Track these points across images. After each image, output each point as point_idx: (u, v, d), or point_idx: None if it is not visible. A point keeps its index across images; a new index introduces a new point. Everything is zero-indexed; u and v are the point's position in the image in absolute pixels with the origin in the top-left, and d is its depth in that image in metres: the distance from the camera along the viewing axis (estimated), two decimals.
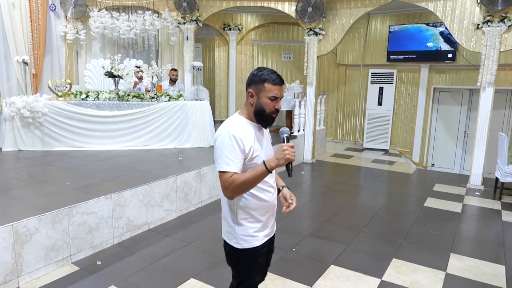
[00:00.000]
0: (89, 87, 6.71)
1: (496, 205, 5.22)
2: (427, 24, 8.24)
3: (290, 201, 1.98)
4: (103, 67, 6.17)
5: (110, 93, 6.06)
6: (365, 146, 9.14)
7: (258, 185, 1.77)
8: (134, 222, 3.96)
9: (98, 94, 6.06)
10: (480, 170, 5.95)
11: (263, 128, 1.88)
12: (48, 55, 7.34)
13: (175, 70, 7.07)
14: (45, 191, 3.82)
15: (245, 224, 1.85)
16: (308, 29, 7.01)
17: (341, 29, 6.90)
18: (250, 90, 1.78)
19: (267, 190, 1.87)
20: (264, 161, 1.69)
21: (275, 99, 1.76)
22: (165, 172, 4.59)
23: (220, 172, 1.72)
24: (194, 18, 7.47)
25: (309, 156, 7.49)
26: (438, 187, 6.01)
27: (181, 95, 6.29)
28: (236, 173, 1.70)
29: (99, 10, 7.45)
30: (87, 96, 6.02)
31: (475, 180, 5.99)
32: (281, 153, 1.66)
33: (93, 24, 7.32)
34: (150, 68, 6.18)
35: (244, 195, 1.80)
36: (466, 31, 5.86)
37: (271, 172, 1.70)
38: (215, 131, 6.25)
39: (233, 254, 1.93)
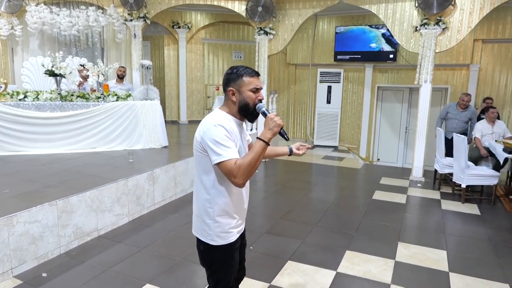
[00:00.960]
0: (27, 87, 6.24)
1: (436, 195, 5.62)
2: (370, 26, 8.66)
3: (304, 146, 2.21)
4: (43, 65, 5.76)
5: (51, 93, 5.68)
6: (315, 143, 9.41)
7: None
8: (82, 229, 3.75)
9: (38, 94, 5.65)
10: (421, 163, 6.37)
11: (243, 126, 1.92)
12: None
13: (122, 66, 6.82)
14: None
15: (221, 220, 1.85)
16: (259, 29, 7.07)
17: (291, 29, 7.04)
18: (231, 88, 1.80)
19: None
20: (258, 137, 1.71)
21: (257, 90, 1.80)
22: (115, 175, 4.39)
23: (223, 162, 1.67)
24: (141, 15, 7.23)
25: None
26: (384, 181, 6.35)
27: (129, 95, 6.06)
28: (238, 158, 1.69)
29: (37, 5, 6.95)
30: (25, 97, 5.58)
31: (417, 173, 6.41)
32: (271, 123, 1.72)
33: (30, 20, 6.81)
34: (95, 66, 5.88)
35: (225, 189, 1.81)
36: (406, 33, 6.24)
37: (269, 144, 1.73)
38: (166, 131, 6.20)
39: (208, 252, 1.91)
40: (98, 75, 5.72)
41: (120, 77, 6.81)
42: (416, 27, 6.08)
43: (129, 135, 5.94)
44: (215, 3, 7.19)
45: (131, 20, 7.27)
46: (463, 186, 5.17)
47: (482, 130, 5.82)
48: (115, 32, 7.37)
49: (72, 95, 5.76)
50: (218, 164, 1.69)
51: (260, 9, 6.88)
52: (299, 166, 7.38)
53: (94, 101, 5.84)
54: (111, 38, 7.56)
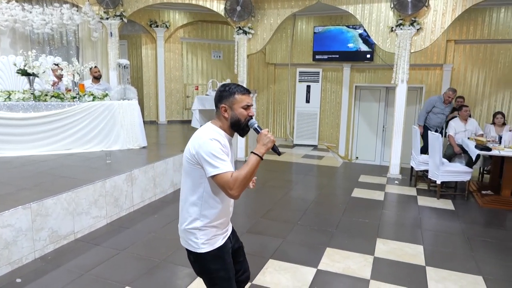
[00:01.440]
0: None
1: (412, 191, 5.76)
2: (348, 26, 8.79)
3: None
4: (15, 64, 5.57)
5: (24, 93, 5.49)
6: (295, 142, 9.48)
7: (224, 194, 1.83)
8: (58, 232, 3.65)
9: (10, 94, 5.45)
10: (398, 161, 6.51)
11: (231, 141, 1.99)
12: None
13: (95, 67, 6.66)
14: None
15: (206, 230, 1.89)
16: (238, 28, 7.05)
17: (270, 28, 7.06)
18: (223, 105, 1.87)
19: (229, 199, 1.95)
20: (253, 152, 1.79)
21: (248, 107, 1.89)
22: (92, 176, 4.29)
23: (219, 175, 1.73)
24: (118, 13, 7.08)
25: (242, 154, 7.55)
26: (362, 178, 6.45)
27: (106, 95, 5.94)
28: (233, 171, 1.76)
29: (8, 2, 6.71)
30: None
31: (394, 170, 6.55)
32: (265, 139, 1.80)
33: (1, 17, 6.57)
34: (70, 65, 5.73)
35: (212, 204, 1.87)
36: (382, 33, 6.36)
37: (262, 159, 1.80)
38: (145, 132, 6.11)
39: (199, 261, 1.94)
40: (73, 75, 5.58)
41: (96, 78, 6.65)
42: (392, 27, 6.21)
43: (106, 136, 5.82)
44: (194, 2, 7.13)
45: (107, 19, 7.11)
46: (438, 182, 5.32)
47: (456, 128, 6.00)
48: (90, 31, 7.19)
49: (46, 95, 5.59)
50: (214, 176, 1.74)
51: (239, 8, 6.86)
52: (279, 165, 7.42)
53: (69, 101, 5.69)
54: (87, 36, 7.38)
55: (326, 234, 4.06)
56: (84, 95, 5.78)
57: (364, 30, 8.29)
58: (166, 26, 8.87)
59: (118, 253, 3.54)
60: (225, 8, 6.98)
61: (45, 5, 6.82)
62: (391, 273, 3.29)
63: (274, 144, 1.84)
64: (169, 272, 3.24)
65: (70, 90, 5.83)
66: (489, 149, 5.02)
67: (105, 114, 5.76)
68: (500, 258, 3.61)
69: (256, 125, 1.89)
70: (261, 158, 1.78)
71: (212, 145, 1.76)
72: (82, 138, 5.69)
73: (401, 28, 6.09)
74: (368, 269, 3.32)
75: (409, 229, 4.34)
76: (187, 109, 9.63)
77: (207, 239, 1.89)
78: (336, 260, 3.48)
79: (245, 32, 7.04)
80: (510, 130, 5.26)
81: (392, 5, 6.12)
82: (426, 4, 5.87)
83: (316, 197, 5.44)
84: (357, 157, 9.43)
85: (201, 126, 2.13)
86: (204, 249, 1.88)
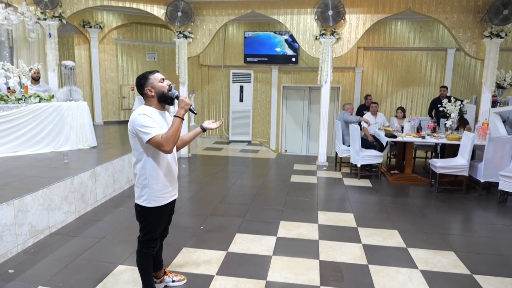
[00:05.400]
0: None
1: (338, 175, 6.88)
2: (275, 32, 9.75)
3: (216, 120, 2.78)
4: None
5: None
6: (231, 139, 10.18)
7: (168, 157, 2.47)
8: (36, 227, 3.85)
9: None
10: (324, 150, 7.62)
11: (165, 114, 2.52)
12: None
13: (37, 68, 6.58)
14: None
15: (155, 187, 2.45)
16: (178, 32, 7.51)
17: (208, 33, 7.65)
18: (148, 88, 2.41)
19: (173, 161, 2.58)
20: (175, 115, 2.32)
21: (163, 80, 2.45)
22: (56, 174, 4.47)
23: (152, 138, 2.27)
24: (56, 14, 7.02)
25: (185, 151, 8.03)
26: (296, 167, 7.43)
27: (53, 96, 5.98)
28: (162, 134, 2.29)
29: None
30: None
31: (322, 158, 7.64)
32: (182, 103, 2.35)
33: None
34: (13, 67, 5.66)
35: (156, 165, 2.43)
36: (309, 41, 7.39)
37: (183, 119, 2.34)
38: (95, 132, 6.28)
39: (142, 212, 2.53)
40: (19, 76, 5.54)
41: (35, 79, 6.56)
42: (316, 36, 7.27)
43: (56, 137, 5.88)
44: (134, 6, 7.38)
45: (45, 19, 6.99)
46: (359, 165, 6.48)
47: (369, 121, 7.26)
48: (25, 31, 7.00)
49: None
50: (149, 141, 2.28)
51: (179, 14, 7.32)
52: (222, 159, 8.06)
53: (13, 103, 5.63)
54: (22, 37, 7.15)
55: (277, 211, 4.86)
56: (29, 97, 5.76)
57: (290, 36, 9.35)
58: (100, 27, 8.87)
59: (99, 241, 3.88)
60: (166, 13, 7.38)
61: None
62: (334, 234, 4.19)
63: (191, 106, 2.38)
64: None
65: (14, 92, 5.75)
66: (395, 137, 6.29)
67: (54, 115, 5.82)
68: (407, 217, 4.77)
69: (175, 94, 2.44)
70: (182, 118, 2.30)
71: (141, 119, 2.30)
72: (31, 139, 5.68)
73: (324, 37, 7.17)
74: (316, 233, 4.18)
75: (340, 202, 5.36)
76: (124, 110, 9.71)
77: (156, 196, 2.46)
78: (290, 229, 4.28)
79: (185, 36, 7.53)
80: (409, 121, 6.62)
81: (316, 17, 7.17)
82: (343, 18, 7.02)
83: (262, 183, 6.22)
84: (286, 150, 10.49)
85: None
86: (152, 204, 2.47)
